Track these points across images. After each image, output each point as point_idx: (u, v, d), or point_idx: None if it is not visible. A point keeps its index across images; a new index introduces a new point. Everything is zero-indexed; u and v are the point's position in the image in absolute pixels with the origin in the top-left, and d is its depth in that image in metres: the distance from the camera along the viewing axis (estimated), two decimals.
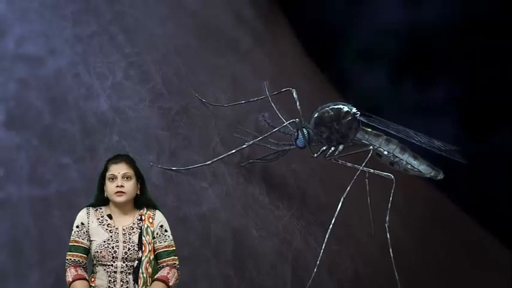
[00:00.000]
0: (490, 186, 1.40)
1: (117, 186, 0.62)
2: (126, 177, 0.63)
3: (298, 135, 0.80)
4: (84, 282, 0.62)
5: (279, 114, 0.79)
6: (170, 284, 0.63)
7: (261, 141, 0.79)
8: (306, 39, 1.23)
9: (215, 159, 0.77)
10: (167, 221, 0.65)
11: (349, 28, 1.48)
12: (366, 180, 0.83)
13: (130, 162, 0.64)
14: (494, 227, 1.23)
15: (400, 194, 1.00)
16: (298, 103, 0.81)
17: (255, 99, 0.82)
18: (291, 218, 0.80)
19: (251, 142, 0.79)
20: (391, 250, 0.79)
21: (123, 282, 0.62)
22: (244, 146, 0.79)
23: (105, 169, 0.63)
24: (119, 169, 0.63)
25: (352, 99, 0.83)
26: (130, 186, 0.63)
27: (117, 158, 0.64)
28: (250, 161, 0.81)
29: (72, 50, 0.76)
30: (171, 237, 0.64)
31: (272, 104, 0.80)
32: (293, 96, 0.81)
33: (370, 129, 0.83)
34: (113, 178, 0.63)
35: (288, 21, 1.22)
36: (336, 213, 0.77)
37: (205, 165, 0.76)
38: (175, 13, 0.93)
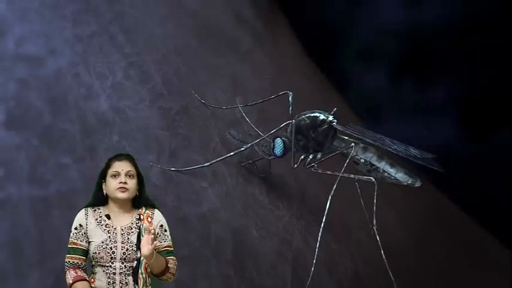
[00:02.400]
0: (490, 186, 1.40)
1: (120, 183, 0.62)
2: (129, 175, 0.63)
3: (274, 144, 0.80)
4: (85, 283, 0.62)
5: (254, 128, 0.80)
6: (170, 265, 0.63)
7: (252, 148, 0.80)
8: (306, 39, 1.23)
9: (214, 161, 0.77)
10: (167, 220, 0.65)
11: (349, 28, 1.48)
12: (356, 183, 0.83)
13: (133, 162, 0.64)
14: (494, 227, 1.23)
15: (400, 193, 1.00)
16: (291, 108, 0.81)
17: (253, 103, 0.82)
18: (291, 218, 0.80)
19: (249, 145, 0.79)
20: (382, 252, 0.79)
21: (122, 283, 0.62)
22: (243, 148, 0.79)
23: (107, 166, 0.63)
24: (122, 166, 0.63)
25: (352, 99, 0.84)
26: (133, 184, 0.63)
27: (120, 156, 0.64)
28: (250, 161, 0.81)
29: (72, 50, 0.76)
30: (170, 237, 0.64)
31: (245, 117, 0.81)
32: (288, 99, 0.81)
33: (347, 138, 0.83)
34: (116, 175, 0.63)
35: (288, 21, 1.22)
36: (325, 212, 0.77)
37: (204, 166, 0.76)
38: (175, 13, 0.93)
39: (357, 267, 0.83)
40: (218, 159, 0.77)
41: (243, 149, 0.79)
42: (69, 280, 0.61)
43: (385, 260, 0.79)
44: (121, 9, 0.84)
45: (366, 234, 0.87)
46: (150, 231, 0.61)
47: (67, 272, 0.62)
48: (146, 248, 0.60)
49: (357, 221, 0.89)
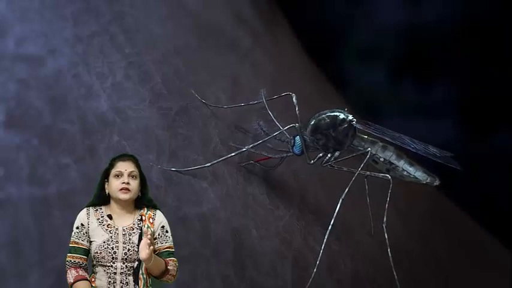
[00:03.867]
0: (490, 186, 1.40)
1: (123, 183, 0.62)
2: (132, 175, 0.63)
3: (294, 142, 0.80)
4: (86, 283, 0.62)
5: (276, 121, 0.80)
6: (169, 267, 0.63)
7: (259, 147, 0.80)
8: (306, 39, 1.24)
9: (214, 162, 0.77)
10: (167, 221, 0.65)
11: (349, 28, 1.49)
12: (365, 180, 0.83)
13: (136, 162, 0.64)
14: (494, 227, 1.23)
15: (401, 194, 1.00)
16: (297, 108, 0.81)
17: (255, 102, 0.82)
18: (291, 218, 0.80)
19: (250, 146, 0.79)
20: (389, 250, 0.79)
21: (122, 283, 0.62)
22: (244, 149, 0.79)
23: (110, 166, 0.63)
24: (126, 166, 0.63)
25: (352, 99, 0.83)
26: (135, 185, 0.63)
27: (124, 156, 0.64)
28: (251, 161, 0.81)
29: (72, 50, 0.76)
30: (171, 238, 0.64)
31: (268, 111, 0.80)
32: (293, 100, 0.81)
33: (366, 136, 0.84)
34: (119, 175, 0.63)
35: (288, 21, 1.22)
36: (335, 214, 0.78)
37: (205, 167, 0.76)
38: (175, 13, 0.93)
39: (357, 267, 0.83)
40: (219, 159, 0.77)
41: (244, 149, 0.79)
42: (70, 279, 0.61)
43: (391, 258, 0.79)
44: (121, 9, 0.84)
45: (366, 234, 0.87)
46: (148, 235, 0.61)
47: (68, 271, 0.62)
48: (144, 252, 0.60)
49: (357, 221, 0.89)
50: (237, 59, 0.96)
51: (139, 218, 0.64)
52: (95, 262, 0.63)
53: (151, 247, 0.61)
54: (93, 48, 0.78)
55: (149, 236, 0.61)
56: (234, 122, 0.84)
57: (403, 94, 1.45)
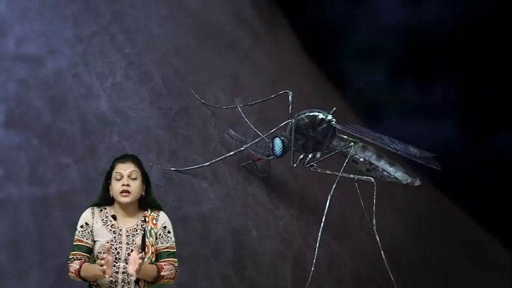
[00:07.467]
0: (490, 186, 1.40)
1: (123, 185, 0.63)
2: (132, 177, 0.63)
3: (274, 144, 0.80)
4: (91, 264, 0.62)
5: (254, 128, 0.80)
6: (163, 273, 0.63)
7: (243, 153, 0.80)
8: (306, 39, 1.24)
9: (214, 161, 0.77)
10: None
11: (349, 28, 1.49)
12: (356, 184, 0.83)
13: (137, 162, 0.64)
14: (494, 227, 1.23)
15: (401, 194, 1.00)
16: (291, 106, 0.81)
17: (253, 103, 0.82)
18: (291, 218, 0.80)
19: (249, 144, 0.79)
20: (382, 252, 0.79)
21: (124, 283, 0.62)
22: (243, 148, 0.79)
23: (112, 168, 0.64)
24: (125, 168, 0.63)
25: (352, 99, 0.83)
26: (136, 187, 0.63)
27: (124, 158, 0.64)
28: (250, 161, 0.81)
29: (72, 50, 0.76)
30: (173, 239, 0.64)
31: (245, 119, 0.80)
32: (288, 98, 0.81)
33: (346, 136, 0.83)
34: (119, 177, 0.63)
35: (288, 21, 1.22)
36: (325, 210, 0.78)
37: (204, 166, 0.76)
38: (175, 13, 0.93)
39: (357, 267, 0.83)
40: (218, 158, 0.77)
41: (243, 148, 0.79)
42: (76, 267, 0.61)
43: (385, 260, 0.79)
44: (121, 9, 0.84)
45: (366, 234, 0.87)
46: (138, 251, 0.61)
47: (70, 264, 0.62)
48: (132, 266, 0.60)
49: (357, 221, 0.89)
50: (237, 59, 0.97)
51: (143, 219, 0.64)
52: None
53: (141, 261, 0.61)
54: (93, 48, 0.78)
55: (141, 255, 0.61)
56: (234, 122, 0.84)
57: (403, 94, 1.46)
